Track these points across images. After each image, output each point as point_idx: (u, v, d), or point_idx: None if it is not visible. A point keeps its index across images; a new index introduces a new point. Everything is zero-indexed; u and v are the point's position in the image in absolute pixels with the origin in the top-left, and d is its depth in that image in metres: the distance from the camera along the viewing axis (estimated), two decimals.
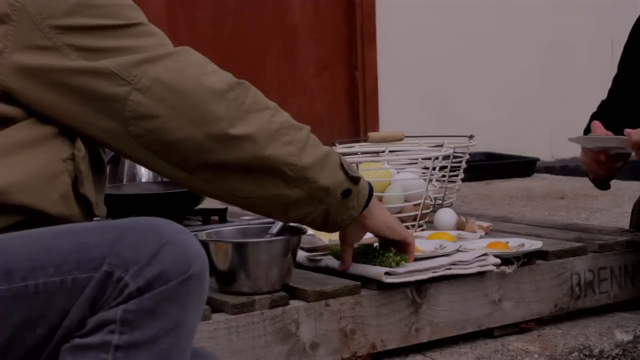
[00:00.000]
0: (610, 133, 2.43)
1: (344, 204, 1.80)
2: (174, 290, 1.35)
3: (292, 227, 2.02)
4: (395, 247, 2.03)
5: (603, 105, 2.75)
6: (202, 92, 1.61)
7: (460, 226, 2.59)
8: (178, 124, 1.58)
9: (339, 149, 3.15)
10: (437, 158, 2.71)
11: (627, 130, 2.30)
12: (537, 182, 4.89)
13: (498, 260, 2.23)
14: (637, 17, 2.68)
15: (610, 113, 2.68)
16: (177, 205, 2.26)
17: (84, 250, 1.37)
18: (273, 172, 1.68)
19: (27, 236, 1.44)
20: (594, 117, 2.72)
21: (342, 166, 1.78)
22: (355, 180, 1.79)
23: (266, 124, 1.67)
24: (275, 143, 1.67)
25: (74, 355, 1.34)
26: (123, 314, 1.33)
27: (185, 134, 1.58)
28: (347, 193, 1.79)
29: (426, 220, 2.71)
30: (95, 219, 1.70)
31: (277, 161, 1.68)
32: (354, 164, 2.67)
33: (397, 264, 2.04)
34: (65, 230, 1.45)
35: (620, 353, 2.29)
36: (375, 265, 2.04)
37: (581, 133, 2.72)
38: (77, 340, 1.35)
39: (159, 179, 2.86)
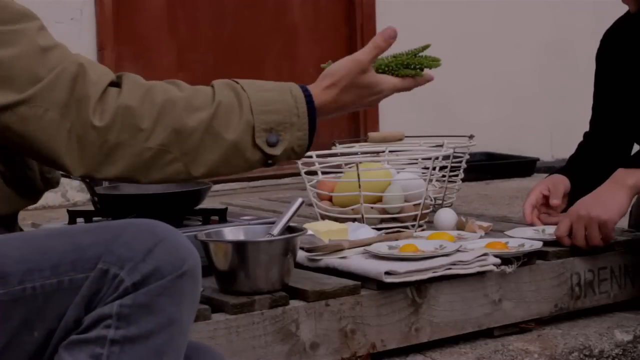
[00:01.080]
0: (537, 222, 2.56)
1: (281, 157, 1.65)
2: (168, 285, 1.37)
3: (293, 227, 2.02)
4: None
5: (588, 136, 2.78)
6: (58, 143, 1.53)
7: (460, 226, 2.59)
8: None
9: (339, 149, 3.16)
10: (437, 158, 2.71)
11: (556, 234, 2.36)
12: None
13: (498, 260, 2.23)
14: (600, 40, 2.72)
15: (596, 146, 2.71)
16: (177, 205, 2.26)
17: (79, 251, 1.38)
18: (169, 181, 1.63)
19: (19, 239, 1.45)
20: (580, 147, 2.76)
21: (254, 143, 1.61)
22: (272, 142, 1.62)
23: (136, 156, 1.57)
24: (154, 170, 1.59)
25: (70, 351, 1.35)
26: (119, 309, 1.35)
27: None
28: (269, 161, 1.64)
29: (426, 220, 2.71)
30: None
31: (164, 180, 1.61)
32: (353, 164, 2.67)
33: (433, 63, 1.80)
34: (58, 232, 1.46)
35: (620, 353, 2.29)
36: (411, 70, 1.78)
37: (581, 133, 2.74)
38: (73, 337, 1.36)
39: None
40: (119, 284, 1.35)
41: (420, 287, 2.13)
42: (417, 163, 2.85)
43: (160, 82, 1.62)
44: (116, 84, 1.59)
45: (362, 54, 1.70)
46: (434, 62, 1.80)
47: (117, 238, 1.38)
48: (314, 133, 1.65)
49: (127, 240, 1.38)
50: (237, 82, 1.64)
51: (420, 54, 1.81)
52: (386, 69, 1.75)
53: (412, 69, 1.77)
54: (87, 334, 1.35)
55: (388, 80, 1.74)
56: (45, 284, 1.37)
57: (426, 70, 1.79)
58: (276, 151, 1.62)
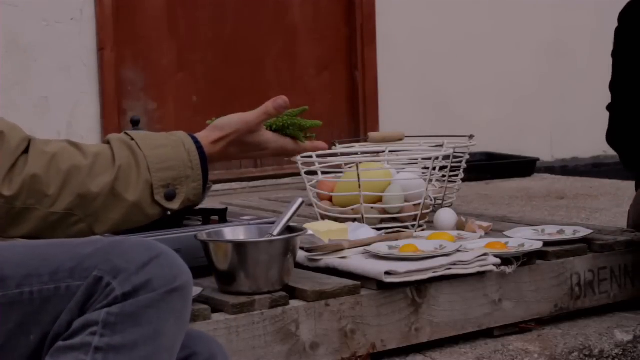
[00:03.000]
0: None
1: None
2: (157, 299, 1.38)
3: (293, 227, 2.02)
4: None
5: (612, 107, 2.72)
6: None
7: (460, 226, 2.59)
8: None
9: (339, 149, 3.16)
10: (437, 158, 2.71)
11: None
12: (537, 182, 4.88)
13: (498, 260, 2.23)
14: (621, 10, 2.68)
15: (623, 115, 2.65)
16: None
17: (77, 259, 1.41)
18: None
19: (21, 246, 1.48)
20: (614, 121, 2.69)
21: (153, 200, 1.67)
22: (170, 196, 1.68)
23: (42, 219, 1.61)
24: (59, 230, 1.63)
25: (55, 358, 1.36)
26: (106, 316, 1.36)
27: None
28: (167, 212, 1.71)
29: (426, 220, 2.71)
30: None
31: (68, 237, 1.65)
32: (353, 164, 2.67)
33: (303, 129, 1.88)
34: (59, 242, 1.50)
35: (620, 353, 2.29)
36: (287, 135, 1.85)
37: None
38: (59, 343, 1.37)
39: None
40: (110, 293, 1.37)
41: (420, 287, 2.13)
42: (417, 163, 2.85)
43: (63, 145, 1.65)
44: (25, 149, 1.63)
45: (251, 116, 1.79)
46: (313, 124, 1.90)
47: (115, 250, 1.41)
48: (207, 181, 1.73)
49: (124, 253, 1.41)
50: (132, 138, 1.69)
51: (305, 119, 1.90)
52: (275, 127, 1.85)
53: (291, 130, 1.86)
54: (72, 340, 1.37)
55: (275, 140, 1.83)
56: (42, 289, 1.40)
57: (316, 143, 1.90)
58: (174, 205, 1.69)
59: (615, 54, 2.68)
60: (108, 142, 1.69)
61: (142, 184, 1.66)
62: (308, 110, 1.91)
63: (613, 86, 2.68)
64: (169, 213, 1.70)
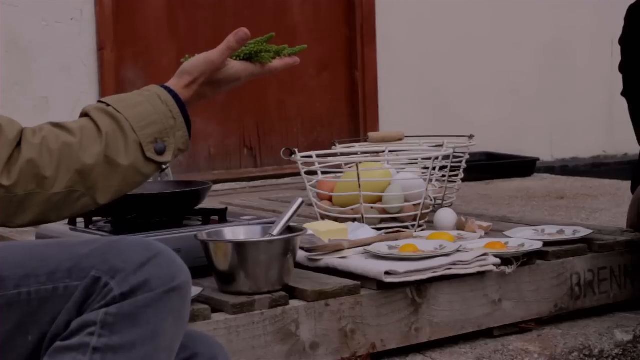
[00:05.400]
0: None
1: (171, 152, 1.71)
2: (156, 299, 1.38)
3: (293, 227, 2.03)
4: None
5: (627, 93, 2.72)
6: None
7: (460, 226, 2.59)
8: None
9: (339, 148, 3.16)
10: (437, 158, 2.71)
11: None
12: (537, 182, 4.88)
13: (498, 260, 2.23)
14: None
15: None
16: (177, 205, 2.26)
17: (75, 260, 1.41)
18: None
19: (19, 246, 1.49)
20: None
21: (146, 158, 1.67)
22: (161, 150, 1.68)
23: (46, 201, 1.61)
24: (65, 209, 1.63)
25: (53, 358, 1.36)
26: (104, 317, 1.36)
27: None
28: (163, 167, 1.72)
29: (426, 220, 2.71)
30: None
31: (74, 215, 1.68)
32: (353, 164, 2.67)
33: (278, 54, 1.91)
34: (57, 242, 1.51)
35: (620, 353, 2.29)
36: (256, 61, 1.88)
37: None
38: (57, 343, 1.37)
39: (158, 178, 2.86)
40: (108, 293, 1.37)
41: (420, 287, 2.13)
42: (417, 163, 2.85)
43: (48, 127, 1.65)
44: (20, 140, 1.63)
45: (215, 54, 1.82)
46: (281, 48, 1.92)
47: (113, 249, 1.41)
48: (190, 126, 1.73)
49: (122, 253, 1.40)
50: (109, 104, 1.69)
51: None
52: (243, 57, 1.87)
53: (263, 56, 1.90)
54: (70, 341, 1.36)
55: (244, 69, 1.86)
56: (40, 290, 1.40)
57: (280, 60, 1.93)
58: (167, 157, 1.69)
59: (625, 39, 2.70)
60: (86, 115, 1.68)
61: (131, 145, 1.65)
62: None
63: (624, 69, 2.71)
64: (164, 167, 1.70)
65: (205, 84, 1.79)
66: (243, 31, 1.81)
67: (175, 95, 1.72)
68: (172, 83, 1.77)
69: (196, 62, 1.81)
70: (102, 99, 1.71)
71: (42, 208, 1.60)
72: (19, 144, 1.60)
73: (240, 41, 1.81)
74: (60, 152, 1.61)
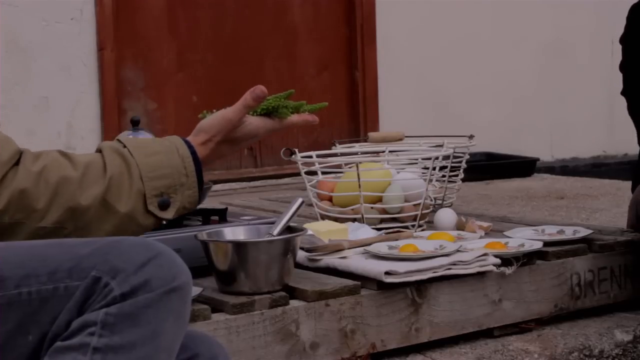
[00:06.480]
0: None
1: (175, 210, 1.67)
2: (156, 299, 1.38)
3: (293, 227, 2.02)
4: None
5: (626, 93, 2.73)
6: None
7: (460, 226, 2.59)
8: None
9: (339, 149, 3.16)
10: (437, 158, 2.71)
11: None
12: (537, 182, 4.88)
13: (498, 261, 2.23)
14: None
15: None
16: None
17: (76, 259, 1.40)
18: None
19: (19, 246, 1.48)
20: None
21: (146, 210, 1.63)
22: (164, 205, 1.64)
23: (31, 234, 1.59)
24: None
25: (53, 358, 1.36)
26: (104, 317, 1.35)
27: None
28: (163, 222, 1.67)
29: (426, 220, 2.71)
30: None
31: None
32: (353, 164, 2.67)
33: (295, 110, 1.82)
34: (57, 242, 1.49)
35: (620, 353, 2.29)
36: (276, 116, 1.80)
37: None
38: (58, 344, 1.37)
39: None
40: (108, 293, 1.37)
41: (420, 287, 2.13)
42: (417, 163, 2.85)
43: (54, 155, 1.62)
44: (17, 162, 1.60)
45: (232, 112, 1.74)
46: (300, 104, 1.83)
47: (113, 250, 1.41)
48: (202, 187, 1.69)
49: (122, 253, 1.40)
50: (125, 146, 1.65)
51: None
52: (261, 112, 1.80)
53: (282, 111, 1.81)
54: (70, 341, 1.36)
55: (263, 125, 1.79)
56: (41, 289, 1.39)
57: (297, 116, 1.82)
58: (168, 214, 1.65)
59: (626, 39, 2.71)
60: (100, 151, 1.65)
61: (134, 194, 1.62)
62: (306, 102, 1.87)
63: (625, 68, 2.72)
64: (164, 222, 1.67)
65: (222, 142, 1.73)
66: (260, 89, 1.75)
67: (193, 152, 1.68)
68: (189, 138, 1.72)
69: (213, 120, 1.74)
70: (121, 139, 1.67)
71: (27, 238, 1.58)
72: (16, 164, 1.57)
73: (257, 99, 1.75)
74: (57, 185, 1.59)
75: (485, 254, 2.23)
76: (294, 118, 1.81)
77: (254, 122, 1.77)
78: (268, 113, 1.79)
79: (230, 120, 1.74)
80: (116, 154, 1.64)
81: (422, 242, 2.31)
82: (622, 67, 2.73)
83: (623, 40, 2.72)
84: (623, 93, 2.71)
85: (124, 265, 1.38)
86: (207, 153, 1.72)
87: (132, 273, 1.37)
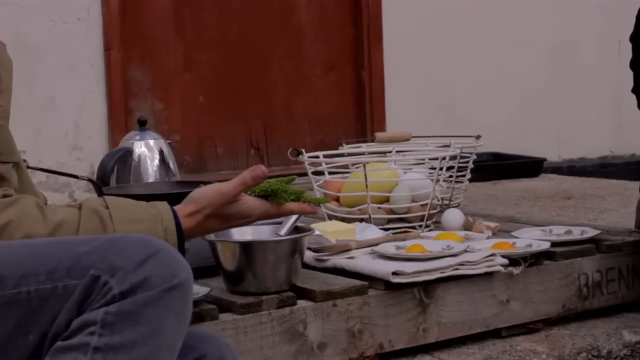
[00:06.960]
0: None
1: None
2: (156, 297, 1.36)
3: (300, 227, 2.02)
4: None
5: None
6: None
7: (467, 226, 2.59)
8: None
9: (346, 149, 3.16)
10: (444, 158, 2.71)
11: None
12: (544, 183, 4.88)
13: (506, 261, 2.23)
14: None
15: None
16: None
17: (75, 258, 1.39)
18: None
19: (18, 245, 1.46)
20: None
21: None
22: None
23: None
24: None
25: (54, 358, 1.35)
26: (104, 316, 1.34)
27: None
28: None
29: (433, 220, 2.71)
30: None
31: None
32: (360, 164, 2.67)
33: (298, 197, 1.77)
34: (56, 240, 1.47)
35: (629, 354, 2.29)
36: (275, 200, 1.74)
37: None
38: (58, 343, 1.36)
39: (165, 179, 2.86)
40: (108, 292, 1.36)
41: (427, 287, 2.13)
42: (424, 163, 2.85)
43: (29, 205, 1.55)
44: None
45: (228, 188, 1.68)
46: (300, 192, 1.77)
47: (112, 248, 1.39)
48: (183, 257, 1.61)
49: (121, 250, 1.38)
50: (107, 206, 1.59)
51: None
52: (259, 193, 1.73)
53: (282, 196, 1.74)
54: (70, 340, 1.35)
55: (258, 207, 1.71)
56: (40, 289, 1.38)
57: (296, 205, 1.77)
58: None
59: (636, 37, 2.70)
60: (80, 207, 1.58)
61: None
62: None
63: (635, 66, 2.71)
64: None
65: (211, 216, 1.66)
66: (260, 169, 1.68)
67: (178, 224, 1.61)
68: (177, 208, 1.65)
69: (206, 191, 1.67)
70: (107, 198, 1.60)
71: None
72: None
73: (257, 178, 1.67)
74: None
75: (492, 255, 2.22)
76: (293, 206, 1.76)
77: (250, 202, 1.70)
78: (266, 195, 1.72)
79: (224, 195, 1.67)
80: (95, 215, 1.57)
81: (430, 242, 2.31)
82: (633, 65, 2.73)
83: (633, 38, 2.72)
84: (634, 91, 2.71)
85: (122, 263, 1.36)
86: (193, 225, 1.65)
87: (131, 271, 1.36)
